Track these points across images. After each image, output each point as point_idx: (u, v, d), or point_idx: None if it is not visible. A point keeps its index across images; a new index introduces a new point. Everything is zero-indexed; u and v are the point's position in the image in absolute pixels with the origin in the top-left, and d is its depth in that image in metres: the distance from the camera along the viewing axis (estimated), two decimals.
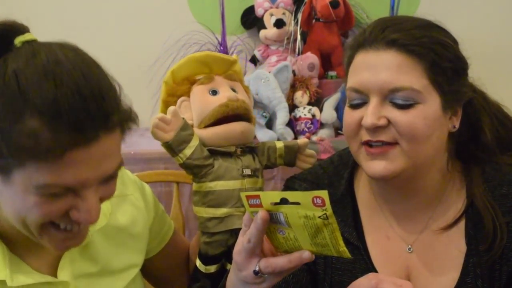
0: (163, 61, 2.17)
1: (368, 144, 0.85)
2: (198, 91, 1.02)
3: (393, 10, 2.10)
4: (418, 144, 0.83)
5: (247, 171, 1.00)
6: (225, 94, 1.00)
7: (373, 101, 0.83)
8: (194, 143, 0.97)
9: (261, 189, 1.04)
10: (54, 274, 0.84)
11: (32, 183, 0.66)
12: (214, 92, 1.01)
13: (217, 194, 0.99)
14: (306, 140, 1.10)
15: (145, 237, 1.01)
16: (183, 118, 0.97)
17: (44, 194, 0.67)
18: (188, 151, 0.97)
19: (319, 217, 0.64)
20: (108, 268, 0.90)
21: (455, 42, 0.88)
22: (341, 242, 0.67)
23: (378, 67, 0.83)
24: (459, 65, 0.86)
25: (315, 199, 0.63)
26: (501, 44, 2.18)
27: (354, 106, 0.87)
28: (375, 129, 0.83)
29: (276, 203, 0.67)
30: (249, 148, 1.04)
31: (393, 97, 0.82)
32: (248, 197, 0.69)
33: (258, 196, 0.68)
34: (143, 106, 2.24)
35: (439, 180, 0.91)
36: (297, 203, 0.65)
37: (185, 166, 0.99)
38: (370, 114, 0.83)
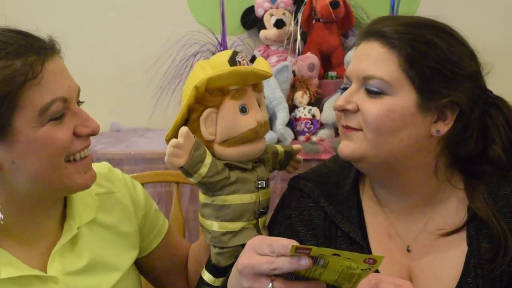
0: (163, 61, 2.18)
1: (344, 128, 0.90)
2: (230, 107, 0.94)
3: (393, 10, 2.10)
4: (380, 135, 0.85)
5: (262, 183, 0.97)
6: (255, 116, 0.95)
7: (352, 87, 0.88)
8: (208, 160, 0.92)
9: (269, 198, 0.99)
10: (44, 269, 0.86)
11: (36, 113, 0.76)
12: (244, 109, 0.94)
13: (233, 208, 0.94)
14: (299, 146, 1.10)
15: (134, 235, 1.01)
16: (194, 137, 0.92)
17: (50, 117, 0.77)
18: (203, 170, 0.92)
19: (362, 269, 0.65)
20: (96, 263, 0.91)
21: (451, 45, 0.86)
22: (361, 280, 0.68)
23: (362, 56, 0.88)
24: (446, 67, 0.84)
25: (368, 259, 0.64)
26: (501, 43, 2.18)
27: (343, 90, 0.91)
28: (345, 113, 0.88)
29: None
30: (261, 160, 1.01)
31: (367, 84, 0.86)
32: (298, 248, 0.65)
33: (309, 249, 0.65)
34: (143, 106, 2.27)
35: (430, 183, 0.91)
36: (348, 258, 0.65)
37: (201, 184, 0.94)
38: (341, 98, 0.89)
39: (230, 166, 0.95)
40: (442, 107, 0.85)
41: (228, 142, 0.94)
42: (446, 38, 0.86)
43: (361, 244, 0.92)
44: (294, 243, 0.66)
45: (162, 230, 1.10)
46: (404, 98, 0.84)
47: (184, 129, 0.90)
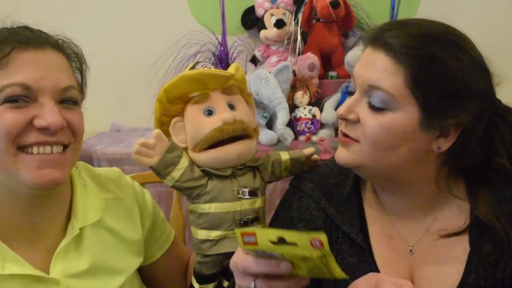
0: (163, 61, 2.18)
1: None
2: (193, 111, 0.95)
3: (393, 10, 2.10)
4: (377, 150, 0.84)
5: (244, 192, 0.95)
6: (220, 116, 0.93)
7: (356, 94, 0.87)
8: (183, 164, 0.93)
9: (260, 208, 0.98)
10: (47, 270, 0.85)
11: None
12: (210, 112, 0.94)
13: (211, 216, 0.94)
14: (312, 149, 1.05)
15: (139, 242, 1.01)
16: (169, 140, 0.93)
17: (3, 99, 0.77)
18: (176, 174, 0.92)
19: (318, 257, 0.64)
20: (98, 267, 0.90)
21: (462, 62, 0.81)
22: (338, 269, 0.67)
23: (368, 64, 0.86)
24: (454, 88, 0.81)
25: (313, 241, 0.63)
26: (501, 43, 2.18)
27: (346, 94, 0.89)
28: (346, 121, 0.88)
29: (273, 242, 0.66)
30: (249, 167, 0.98)
31: (371, 94, 0.84)
32: (243, 234, 0.66)
33: (253, 234, 0.66)
34: (143, 106, 2.26)
35: (431, 190, 0.90)
36: (295, 244, 0.65)
37: (175, 188, 0.95)
38: (344, 106, 0.87)
39: (209, 174, 0.95)
40: (446, 125, 0.83)
41: (198, 146, 0.94)
42: (457, 55, 0.81)
43: (362, 246, 0.91)
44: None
45: (168, 240, 1.10)
46: (407, 115, 0.82)
47: (156, 131, 0.92)
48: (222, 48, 2.15)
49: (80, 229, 0.89)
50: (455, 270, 0.88)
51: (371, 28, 0.91)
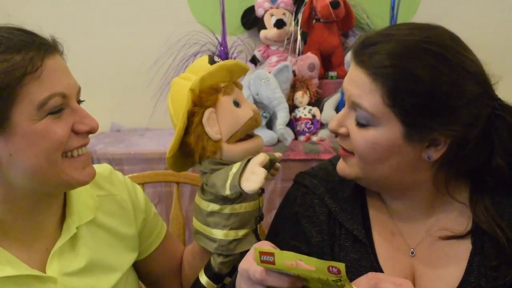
0: (163, 61, 2.18)
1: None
2: (225, 102, 0.95)
3: (393, 10, 2.10)
4: (368, 164, 0.86)
5: (261, 190, 0.97)
6: (247, 106, 0.96)
7: (345, 107, 0.88)
8: None
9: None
10: (43, 270, 0.85)
11: (34, 106, 0.76)
12: (236, 103, 0.95)
13: (241, 216, 0.96)
14: (280, 154, 1.06)
15: (134, 237, 1.01)
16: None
17: (48, 111, 0.78)
18: None
19: (333, 280, 0.65)
20: (94, 264, 0.91)
21: (443, 74, 0.79)
22: None
23: (351, 79, 0.86)
24: (434, 101, 0.79)
25: (331, 268, 0.64)
26: (501, 44, 2.19)
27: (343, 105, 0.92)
28: (339, 134, 0.90)
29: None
30: None
31: (356, 110, 0.85)
32: (261, 253, 0.67)
33: (272, 254, 0.66)
34: (143, 106, 2.27)
35: (431, 193, 0.91)
36: (311, 267, 0.65)
37: (226, 196, 0.93)
38: (334, 119, 0.89)
39: None
40: (433, 137, 0.83)
41: (234, 136, 0.94)
42: (437, 68, 0.79)
43: (364, 243, 0.92)
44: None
45: (160, 234, 1.10)
46: (390, 130, 0.82)
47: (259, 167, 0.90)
48: (222, 48, 2.15)
49: (76, 228, 0.90)
50: (457, 268, 0.88)
51: (356, 40, 0.90)
